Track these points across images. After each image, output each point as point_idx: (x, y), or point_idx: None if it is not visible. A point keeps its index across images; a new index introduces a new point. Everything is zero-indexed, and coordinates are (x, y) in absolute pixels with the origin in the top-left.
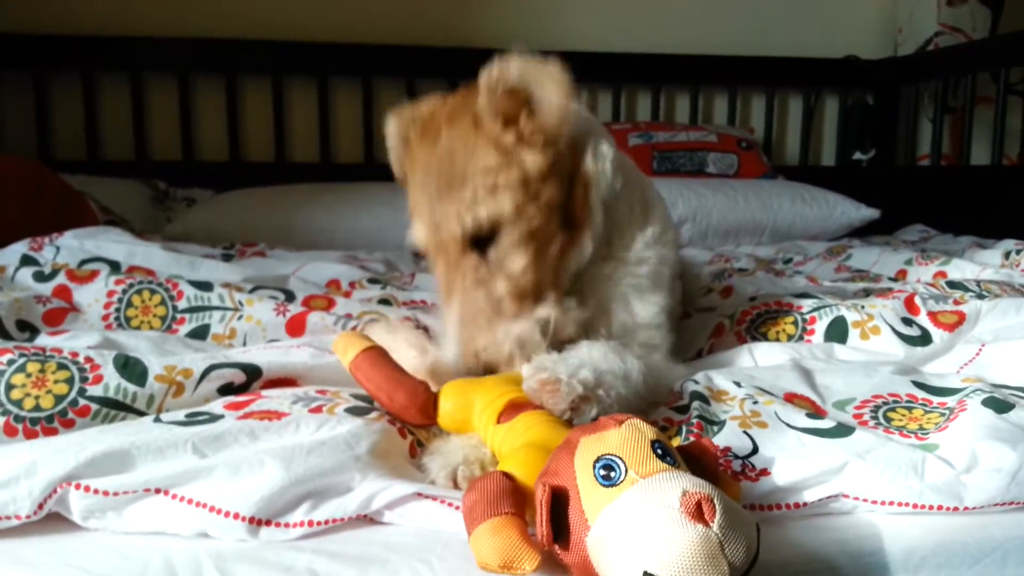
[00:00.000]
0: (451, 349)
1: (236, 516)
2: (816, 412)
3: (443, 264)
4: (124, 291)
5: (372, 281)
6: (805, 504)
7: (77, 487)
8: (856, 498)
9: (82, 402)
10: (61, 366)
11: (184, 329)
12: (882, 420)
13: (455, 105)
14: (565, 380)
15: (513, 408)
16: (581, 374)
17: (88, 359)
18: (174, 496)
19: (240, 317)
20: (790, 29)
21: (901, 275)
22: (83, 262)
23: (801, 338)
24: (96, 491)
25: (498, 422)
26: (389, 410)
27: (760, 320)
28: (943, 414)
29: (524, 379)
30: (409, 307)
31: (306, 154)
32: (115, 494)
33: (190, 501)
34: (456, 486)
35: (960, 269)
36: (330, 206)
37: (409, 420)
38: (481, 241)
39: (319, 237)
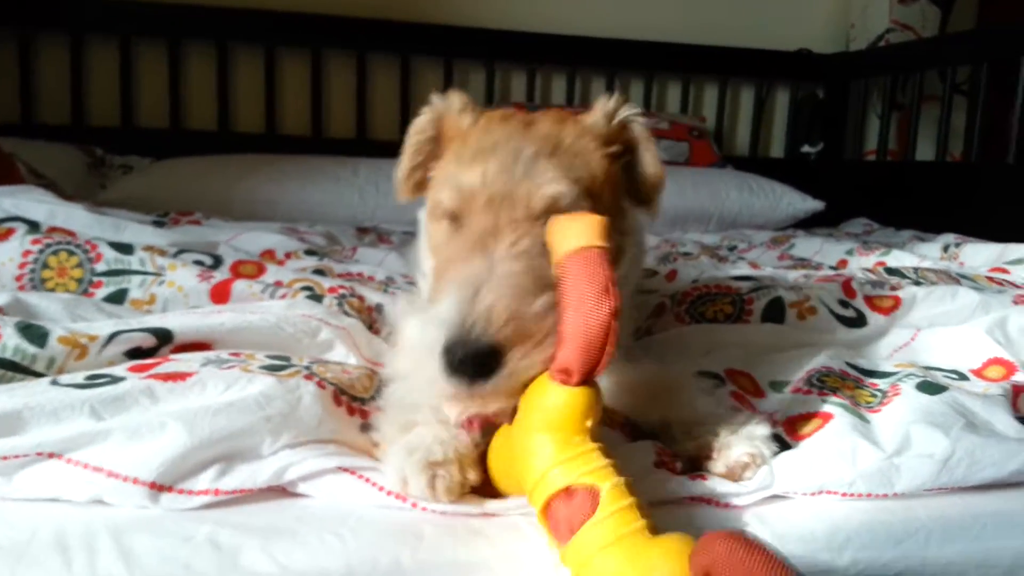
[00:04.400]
0: (450, 307)
1: (135, 481)
2: (755, 390)
3: (492, 218)
4: (40, 251)
5: (309, 253)
6: (737, 507)
7: None
8: (787, 494)
9: None
10: None
11: (101, 293)
12: (815, 383)
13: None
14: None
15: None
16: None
17: None
18: (68, 460)
19: (161, 283)
20: (745, 20)
21: (842, 264)
22: (0, 220)
23: (739, 318)
24: None
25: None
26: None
27: (700, 301)
28: (874, 395)
29: (716, 458)
30: (345, 278)
31: (250, 124)
32: (3, 458)
33: (85, 466)
34: (433, 492)
35: (899, 260)
36: (273, 177)
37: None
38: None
39: (260, 209)
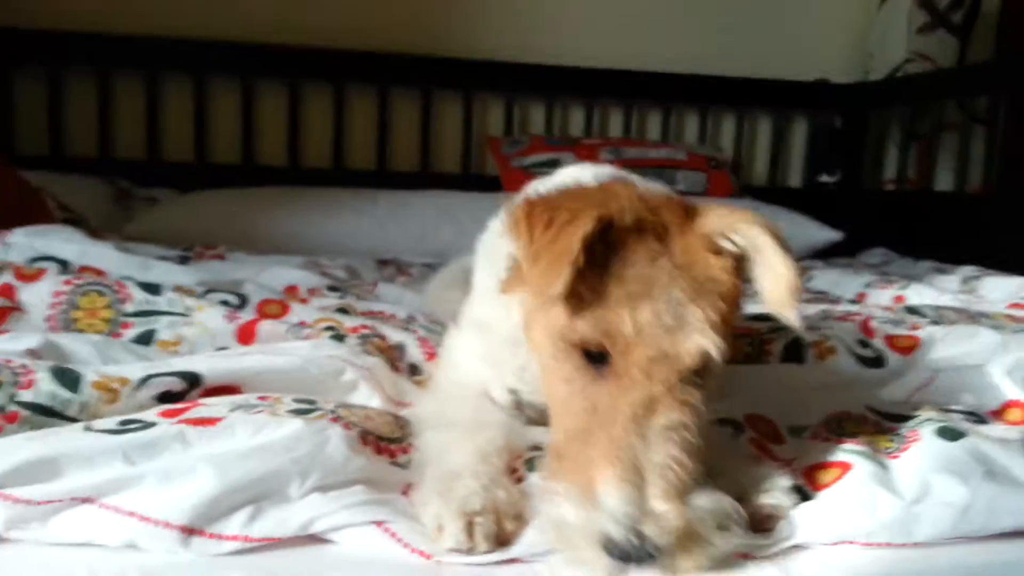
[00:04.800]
0: (618, 502)
1: (167, 525)
2: (775, 436)
3: (645, 379)
4: (71, 292)
5: (332, 289)
6: (759, 558)
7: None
8: (808, 544)
9: (11, 408)
10: None
11: (130, 334)
12: (835, 429)
13: (664, 207)
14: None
15: None
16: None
17: (22, 365)
18: (102, 505)
19: (189, 323)
20: (762, 50)
21: (861, 298)
22: (32, 260)
23: (759, 359)
24: (20, 500)
25: None
26: None
27: None
28: (892, 440)
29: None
30: (367, 317)
31: (274, 157)
32: (40, 503)
33: (118, 510)
34: (471, 540)
35: (919, 294)
36: (296, 210)
37: None
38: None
39: (283, 242)
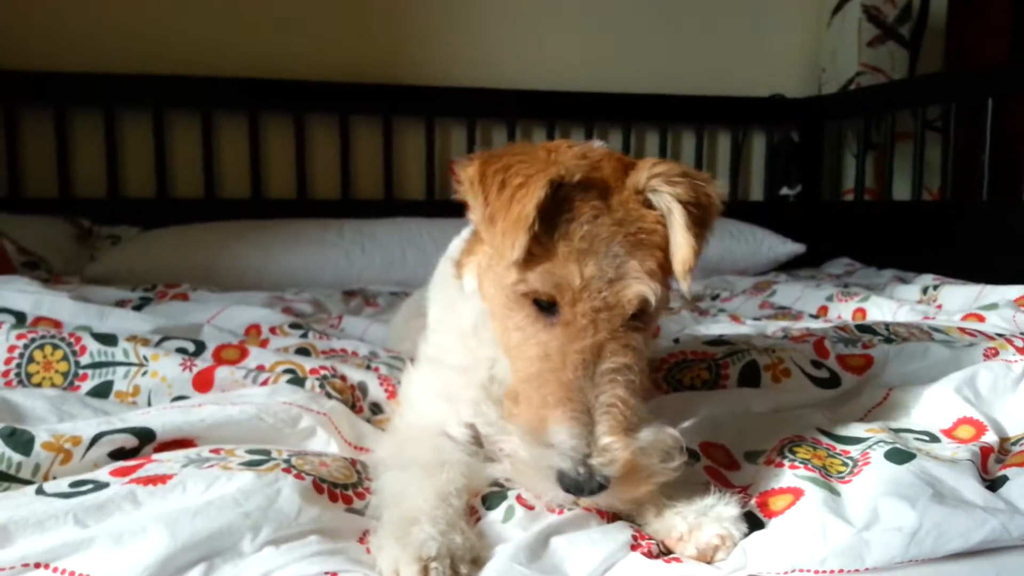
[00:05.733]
0: (567, 438)
1: None
2: (729, 463)
3: (591, 325)
4: (25, 346)
5: (294, 327)
6: None
7: None
8: (761, 574)
9: None
10: None
11: (86, 386)
12: (787, 455)
13: (603, 164)
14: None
15: None
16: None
17: None
18: (55, 570)
19: (144, 373)
20: (718, 68)
21: (822, 311)
22: None
23: (716, 384)
24: None
25: None
26: None
27: (677, 368)
28: (845, 463)
29: (687, 539)
30: (328, 356)
31: (236, 190)
32: None
33: (72, 574)
34: None
35: (879, 306)
36: (259, 243)
37: None
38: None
39: (247, 276)
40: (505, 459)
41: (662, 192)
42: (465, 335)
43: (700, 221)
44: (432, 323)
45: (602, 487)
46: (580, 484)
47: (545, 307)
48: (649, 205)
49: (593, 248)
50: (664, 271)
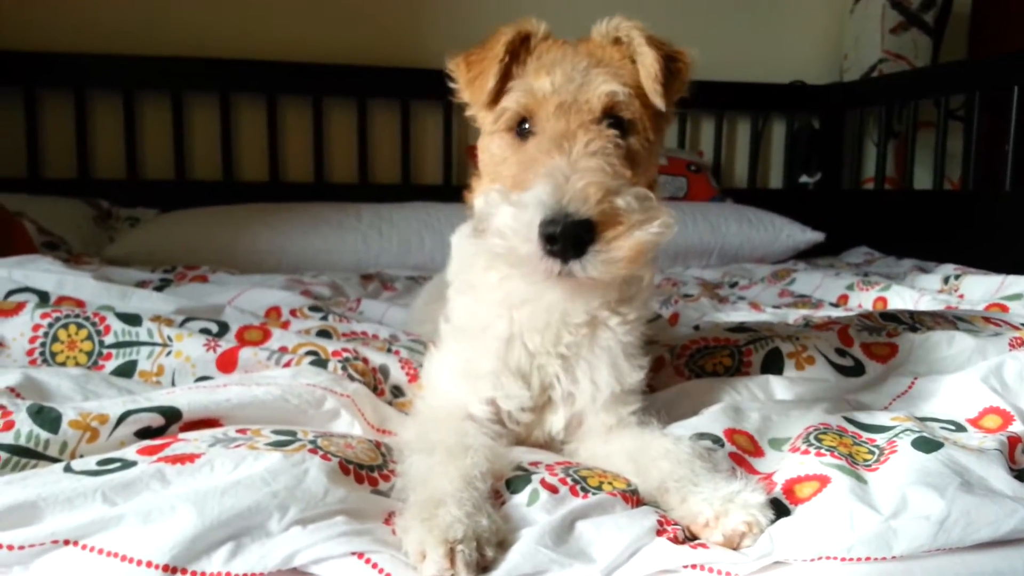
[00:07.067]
0: (544, 189)
1: (148, 564)
2: (754, 450)
3: (564, 123)
4: (50, 325)
5: (314, 309)
6: None
7: None
8: (788, 561)
9: None
10: None
11: (110, 365)
12: (813, 442)
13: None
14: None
15: None
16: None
17: (0, 405)
18: (84, 547)
19: (169, 353)
20: (739, 54)
21: (843, 300)
22: (10, 292)
23: (739, 370)
24: (1, 545)
25: None
26: None
27: (699, 354)
28: (871, 451)
29: (714, 526)
30: (349, 339)
31: (254, 173)
32: (21, 548)
33: (100, 551)
34: (452, 568)
35: (899, 295)
36: (277, 227)
37: None
38: (613, 122)
39: (265, 259)
40: (493, 236)
41: (631, 33)
42: (479, 288)
43: (667, 57)
44: (451, 287)
45: (581, 228)
46: (558, 222)
47: (523, 132)
48: (616, 45)
49: (561, 64)
50: (636, 96)
